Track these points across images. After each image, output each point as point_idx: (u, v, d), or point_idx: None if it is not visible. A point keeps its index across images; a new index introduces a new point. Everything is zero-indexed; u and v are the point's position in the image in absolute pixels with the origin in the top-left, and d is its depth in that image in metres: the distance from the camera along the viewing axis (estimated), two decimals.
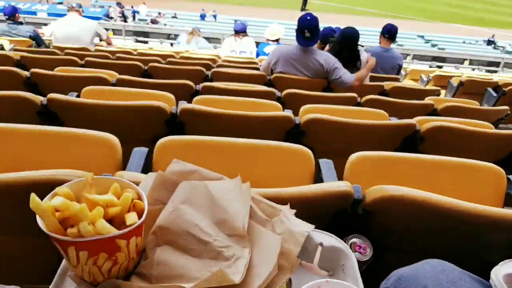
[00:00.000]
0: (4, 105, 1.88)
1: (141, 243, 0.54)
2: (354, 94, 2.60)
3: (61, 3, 16.70)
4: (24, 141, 1.34)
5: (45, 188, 0.82)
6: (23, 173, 0.82)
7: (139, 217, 0.51)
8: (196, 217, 0.57)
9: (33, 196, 0.47)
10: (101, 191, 0.53)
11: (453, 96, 4.22)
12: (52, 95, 1.84)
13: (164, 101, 1.90)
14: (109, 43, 5.03)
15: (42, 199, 0.49)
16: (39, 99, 1.89)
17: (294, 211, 0.64)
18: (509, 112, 2.64)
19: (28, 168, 0.92)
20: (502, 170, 1.23)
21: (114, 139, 1.30)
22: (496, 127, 2.42)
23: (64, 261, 0.60)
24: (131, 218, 0.50)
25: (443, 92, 4.25)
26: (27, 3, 16.00)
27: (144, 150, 1.31)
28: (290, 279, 0.63)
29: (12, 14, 4.78)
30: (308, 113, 1.88)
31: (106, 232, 0.47)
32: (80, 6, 4.81)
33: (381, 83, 3.27)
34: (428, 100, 2.72)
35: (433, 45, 17.27)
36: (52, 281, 0.59)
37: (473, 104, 2.74)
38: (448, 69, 8.44)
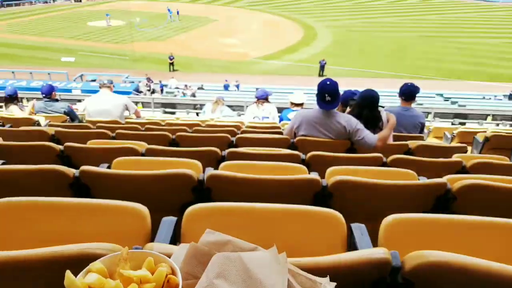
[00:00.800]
0: (39, 178, 1.96)
1: None
2: (379, 154, 2.58)
3: (94, 80, 18.02)
4: (56, 214, 1.37)
5: (78, 262, 0.82)
6: (56, 248, 0.82)
7: None
8: None
9: (68, 274, 0.46)
10: (135, 265, 0.52)
11: (480, 153, 4.10)
12: (84, 168, 1.91)
13: (192, 168, 1.94)
14: (138, 116, 5.29)
15: (76, 274, 0.49)
16: (71, 171, 1.96)
17: (334, 284, 0.61)
18: None
19: (60, 240, 0.92)
20: None
21: (143, 209, 1.31)
22: None
23: None
24: None
25: (469, 148, 4.15)
26: (63, 82, 17.35)
27: (173, 219, 1.31)
28: None
29: (49, 93, 5.11)
30: (335, 175, 1.86)
31: None
32: (111, 82, 5.14)
33: (405, 142, 3.25)
34: (456, 157, 2.66)
35: (453, 103, 17.29)
36: None
37: (503, 159, 2.66)
38: (471, 126, 8.36)
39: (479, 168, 2.36)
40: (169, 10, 39.03)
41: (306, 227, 1.24)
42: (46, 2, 48.00)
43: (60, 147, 2.81)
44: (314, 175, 1.85)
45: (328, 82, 3.04)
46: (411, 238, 1.14)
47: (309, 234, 1.22)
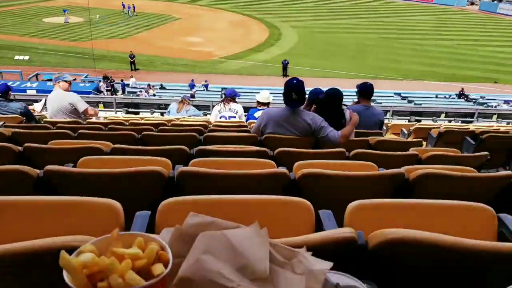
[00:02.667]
0: None
1: None
2: (343, 149, 2.70)
3: (50, 80, 17.22)
4: (24, 213, 1.34)
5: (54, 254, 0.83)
6: (38, 241, 0.83)
7: (165, 267, 0.53)
8: (219, 265, 0.59)
9: (63, 253, 0.49)
10: (125, 247, 0.55)
11: (434, 146, 4.38)
12: (49, 167, 1.87)
13: (161, 166, 1.95)
14: (91, 115, 5.04)
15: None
16: (35, 172, 1.91)
17: (310, 253, 0.67)
18: (489, 157, 2.76)
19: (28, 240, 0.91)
20: (492, 209, 1.28)
21: (116, 204, 1.32)
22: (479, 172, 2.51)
23: None
24: (158, 268, 0.52)
25: (424, 143, 4.41)
26: (16, 81, 16.46)
27: (147, 213, 1.33)
28: None
29: (5, 92, 4.86)
30: (302, 168, 1.94)
31: (136, 283, 0.49)
32: (63, 79, 4.88)
33: (366, 138, 3.41)
34: (412, 150, 2.84)
35: (410, 101, 18.19)
36: None
37: (455, 152, 2.87)
38: (426, 122, 8.86)
39: (433, 160, 2.54)
40: (123, 5, 38.15)
41: (276, 215, 1.30)
42: None
43: (19, 148, 2.70)
44: (283, 169, 1.92)
45: (294, 81, 3.14)
46: (374, 221, 1.23)
47: (279, 222, 1.28)
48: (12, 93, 6.06)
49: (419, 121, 9.76)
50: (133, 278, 0.49)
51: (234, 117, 5.22)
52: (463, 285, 0.88)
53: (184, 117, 5.52)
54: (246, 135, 3.37)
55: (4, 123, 4.35)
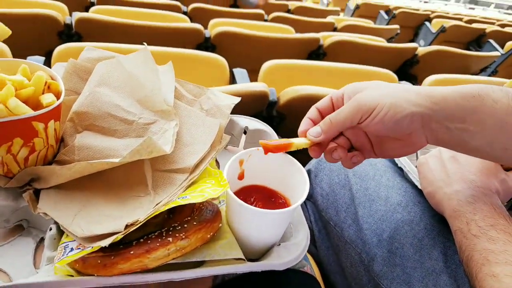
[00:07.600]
0: None
1: (59, 129, 0.51)
2: (261, 11, 2.59)
3: None
4: None
5: None
6: None
7: (57, 98, 0.47)
8: (116, 97, 0.54)
9: None
10: (7, 74, 0.46)
11: (351, 17, 4.48)
12: None
13: (56, 11, 1.66)
14: None
15: None
16: None
17: (220, 92, 0.65)
18: (399, 31, 2.91)
19: None
20: (395, 76, 1.39)
21: (3, 46, 1.12)
22: None
23: None
24: (48, 98, 0.45)
25: (341, 14, 4.47)
26: None
27: (40, 59, 1.16)
28: (217, 161, 0.66)
29: None
30: (218, 26, 1.83)
31: (21, 112, 0.42)
32: None
33: (286, 2, 3.30)
34: (329, 19, 2.85)
35: None
36: None
37: (369, 23, 2.95)
38: None
39: (348, 29, 2.60)
40: None
41: (189, 70, 1.24)
42: None
43: None
44: (197, 25, 1.79)
45: None
46: (287, 80, 1.26)
47: (194, 77, 1.23)
48: None
49: None
50: (18, 105, 0.42)
51: None
52: None
53: None
54: None
55: None
